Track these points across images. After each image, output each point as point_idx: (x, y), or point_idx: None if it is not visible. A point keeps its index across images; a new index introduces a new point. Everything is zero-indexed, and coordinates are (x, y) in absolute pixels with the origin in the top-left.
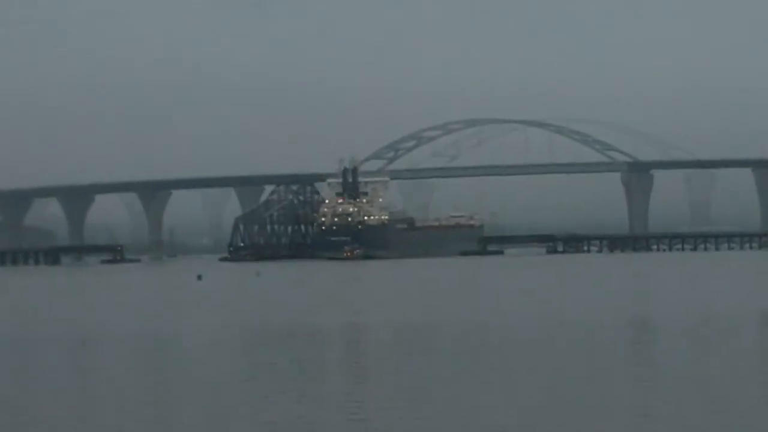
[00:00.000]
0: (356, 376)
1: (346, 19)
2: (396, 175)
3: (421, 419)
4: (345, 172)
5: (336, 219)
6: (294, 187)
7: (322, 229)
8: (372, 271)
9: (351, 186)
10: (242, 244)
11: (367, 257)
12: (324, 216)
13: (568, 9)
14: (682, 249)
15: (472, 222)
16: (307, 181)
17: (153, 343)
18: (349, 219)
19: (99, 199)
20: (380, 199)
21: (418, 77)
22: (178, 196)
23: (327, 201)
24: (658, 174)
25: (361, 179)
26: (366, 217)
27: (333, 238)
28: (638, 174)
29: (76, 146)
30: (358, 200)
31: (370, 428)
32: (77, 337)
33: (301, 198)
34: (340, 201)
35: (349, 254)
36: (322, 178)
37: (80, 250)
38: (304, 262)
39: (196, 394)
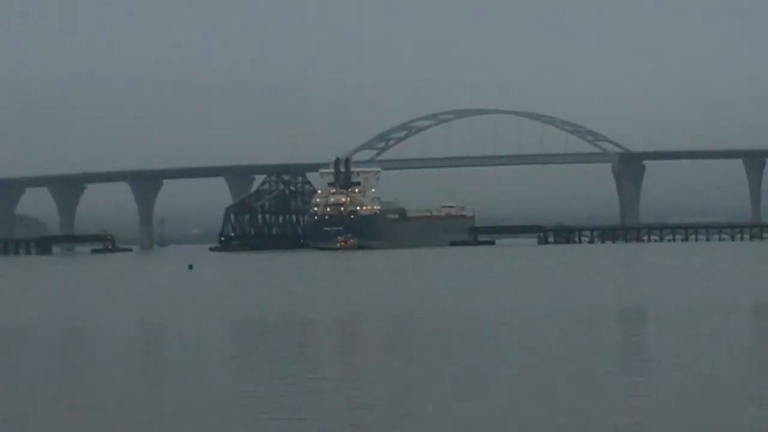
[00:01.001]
0: (350, 367)
1: (338, 11)
2: (387, 166)
3: (416, 412)
4: (337, 162)
5: (328, 209)
6: (285, 177)
7: (315, 219)
8: (367, 260)
9: (343, 176)
10: (233, 234)
11: (360, 247)
12: (316, 206)
13: (564, 4)
14: (673, 240)
15: (463, 212)
16: (298, 171)
17: (143, 333)
18: (342, 209)
19: (90, 188)
20: (372, 190)
21: (408, 67)
22: (169, 185)
23: (319, 191)
24: (649, 165)
25: (353, 169)
26: (358, 207)
27: (326, 228)
28: (629, 165)
29: (67, 136)
30: (350, 190)
31: (367, 424)
32: (68, 327)
33: (292, 188)
34: (333, 191)
35: (342, 244)
36: (312, 168)
37: (71, 240)
38: (298, 251)
39: (189, 385)
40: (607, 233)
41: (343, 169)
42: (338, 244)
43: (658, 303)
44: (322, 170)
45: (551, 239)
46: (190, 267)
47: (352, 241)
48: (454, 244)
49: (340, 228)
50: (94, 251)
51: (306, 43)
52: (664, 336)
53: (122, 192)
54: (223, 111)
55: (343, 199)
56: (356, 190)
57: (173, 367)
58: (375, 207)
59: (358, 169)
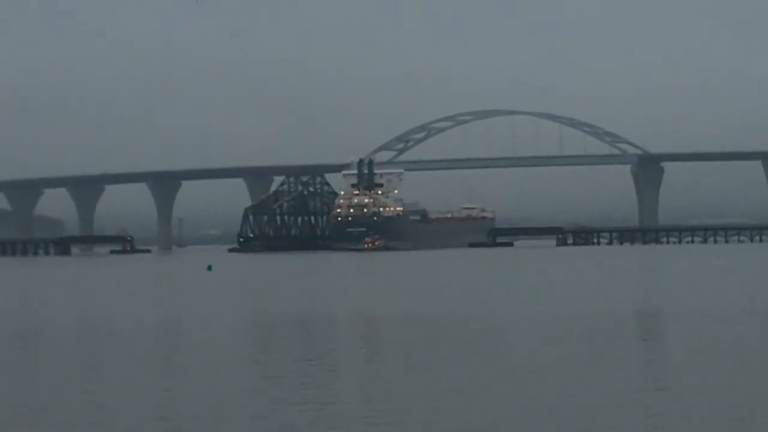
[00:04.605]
0: (370, 369)
1: (355, 13)
2: (407, 167)
3: (431, 412)
4: (360, 163)
5: (352, 210)
6: (304, 178)
7: (338, 221)
8: (397, 261)
9: (366, 177)
10: (252, 235)
11: (386, 249)
12: (339, 207)
13: (583, 5)
14: (692, 241)
15: (484, 214)
16: (317, 172)
17: (161, 334)
18: (365, 210)
19: (109, 189)
20: (395, 191)
21: (428, 69)
22: (188, 186)
23: (342, 192)
24: (668, 166)
25: (376, 171)
26: (381, 209)
27: (349, 229)
28: (648, 166)
29: (86, 137)
30: (373, 192)
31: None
32: (88, 327)
33: (310, 189)
34: (356, 192)
35: (369, 245)
36: (331, 169)
37: (90, 240)
38: (321, 252)
39: (205, 386)
40: (626, 235)
41: (366, 171)
42: (366, 245)
43: (680, 306)
44: (345, 171)
45: (570, 241)
46: (209, 268)
47: (379, 242)
48: (472, 245)
49: (364, 229)
50: (113, 252)
51: (324, 45)
52: (685, 341)
53: (141, 193)
54: (242, 112)
55: (367, 201)
56: (379, 192)
57: (190, 366)
58: (398, 208)
59: (381, 171)
